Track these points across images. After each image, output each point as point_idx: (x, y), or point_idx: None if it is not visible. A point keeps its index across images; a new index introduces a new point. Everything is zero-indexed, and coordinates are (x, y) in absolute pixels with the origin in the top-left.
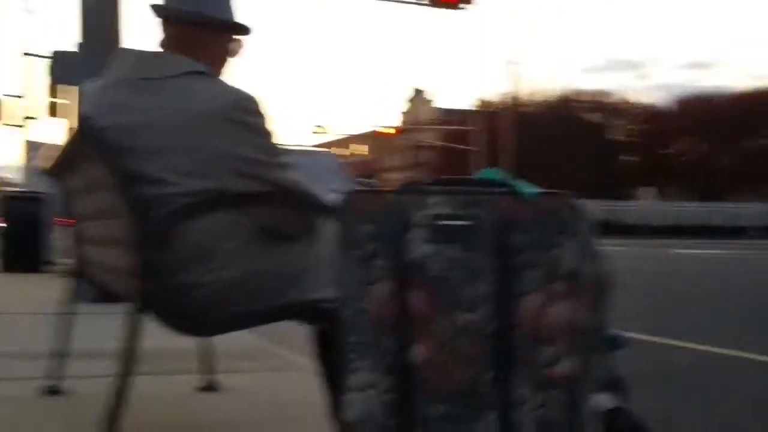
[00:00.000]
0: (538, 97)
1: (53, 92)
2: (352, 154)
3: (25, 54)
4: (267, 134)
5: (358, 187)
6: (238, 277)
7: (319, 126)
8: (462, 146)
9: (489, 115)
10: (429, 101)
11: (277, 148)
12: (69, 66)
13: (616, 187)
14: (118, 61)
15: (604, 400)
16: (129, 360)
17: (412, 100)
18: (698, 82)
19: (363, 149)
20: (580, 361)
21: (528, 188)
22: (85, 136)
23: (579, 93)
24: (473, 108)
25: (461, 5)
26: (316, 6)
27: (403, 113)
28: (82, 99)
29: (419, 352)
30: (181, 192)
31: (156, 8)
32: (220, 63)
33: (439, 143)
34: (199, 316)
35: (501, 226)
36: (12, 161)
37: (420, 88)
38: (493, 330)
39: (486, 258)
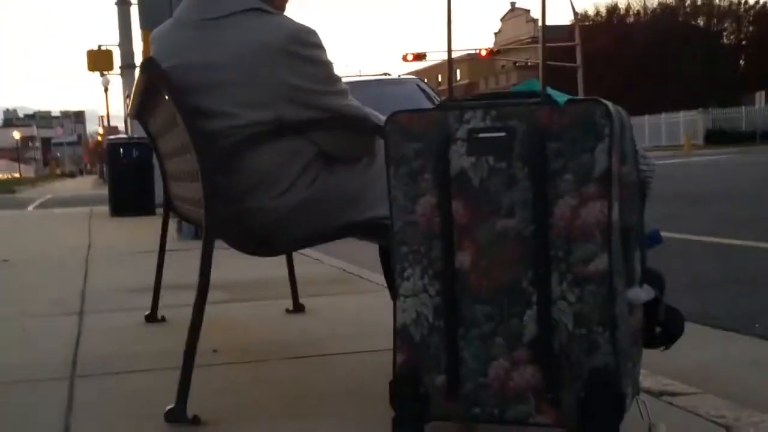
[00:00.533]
0: (640, 5)
1: (145, 40)
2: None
3: (117, 2)
4: (324, 64)
5: None
6: (301, 199)
7: (409, 53)
8: (564, 63)
9: (588, 29)
10: (524, 18)
11: (334, 76)
12: (156, 13)
13: (728, 93)
14: (183, 3)
15: (640, 293)
16: (203, 285)
17: (505, 19)
18: None
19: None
20: (614, 256)
21: (561, 97)
22: (151, 77)
23: None
24: (571, 23)
25: None
26: None
27: (497, 33)
28: (151, 42)
29: (464, 257)
30: (242, 123)
31: None
32: (282, 2)
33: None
34: (265, 238)
35: (533, 134)
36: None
37: (515, 4)
38: (530, 233)
39: (521, 166)
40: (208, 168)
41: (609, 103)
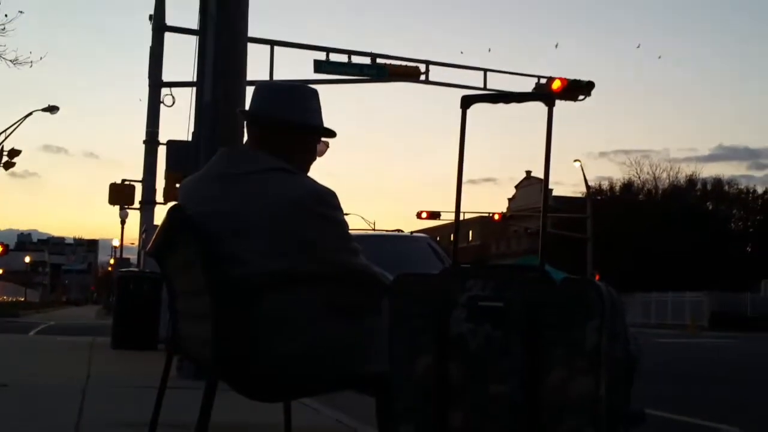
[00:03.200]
0: (653, 185)
1: (168, 179)
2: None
3: (145, 141)
4: (340, 224)
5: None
6: (308, 347)
7: (424, 211)
8: (574, 234)
9: (600, 203)
10: (539, 187)
11: (348, 236)
12: (182, 156)
13: (734, 277)
14: (214, 158)
15: None
16: (202, 424)
17: (520, 186)
18: None
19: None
20: (600, 431)
21: (558, 274)
22: (176, 221)
23: (695, 180)
24: (583, 195)
25: (579, 98)
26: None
27: (510, 199)
28: (180, 190)
29: (456, 417)
30: (260, 271)
31: (245, 113)
32: (306, 162)
33: (550, 230)
34: (269, 383)
35: (529, 307)
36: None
37: (531, 173)
38: (520, 399)
39: (516, 335)
40: (222, 310)
41: (602, 284)
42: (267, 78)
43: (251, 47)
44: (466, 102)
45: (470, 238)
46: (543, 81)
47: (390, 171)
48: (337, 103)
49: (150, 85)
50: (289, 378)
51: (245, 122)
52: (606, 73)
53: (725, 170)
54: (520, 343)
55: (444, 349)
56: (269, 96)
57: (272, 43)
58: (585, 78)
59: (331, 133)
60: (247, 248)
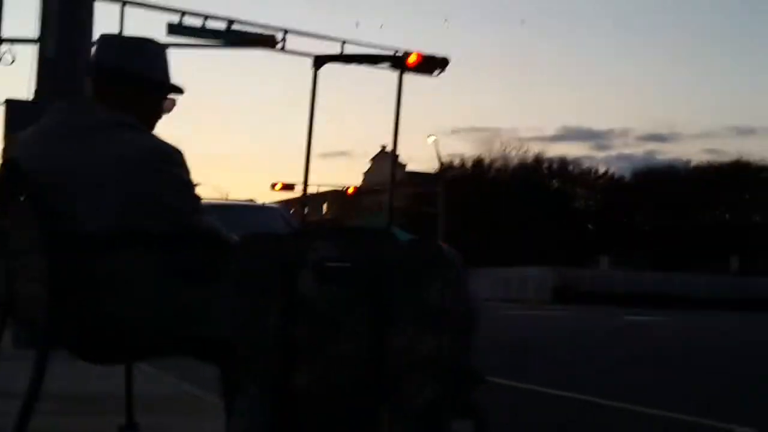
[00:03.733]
0: (502, 162)
1: (7, 140)
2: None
3: None
4: (187, 184)
5: None
6: (147, 310)
7: (279, 182)
8: (426, 209)
9: (452, 179)
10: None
11: (194, 196)
12: (23, 114)
13: (576, 253)
14: (52, 111)
15: (464, 428)
16: (32, 393)
17: (375, 159)
18: (657, 154)
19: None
20: (443, 391)
21: (403, 235)
22: (9, 176)
23: (541, 160)
24: (435, 172)
25: (435, 73)
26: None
27: (365, 173)
28: (15, 145)
29: (302, 378)
30: (96, 229)
31: (90, 66)
32: (151, 119)
33: (402, 205)
34: (106, 345)
35: (375, 267)
36: None
37: (386, 147)
38: (366, 360)
39: (362, 296)
40: (56, 269)
41: (446, 246)
42: None
43: (100, 6)
44: (318, 62)
45: (324, 212)
46: (399, 54)
47: (244, 141)
48: (190, 68)
49: None
50: (127, 340)
51: (88, 75)
52: (468, 47)
53: (570, 150)
54: (367, 304)
55: (290, 310)
56: (114, 46)
57: (123, 2)
58: (443, 53)
59: (179, 90)
60: (86, 206)
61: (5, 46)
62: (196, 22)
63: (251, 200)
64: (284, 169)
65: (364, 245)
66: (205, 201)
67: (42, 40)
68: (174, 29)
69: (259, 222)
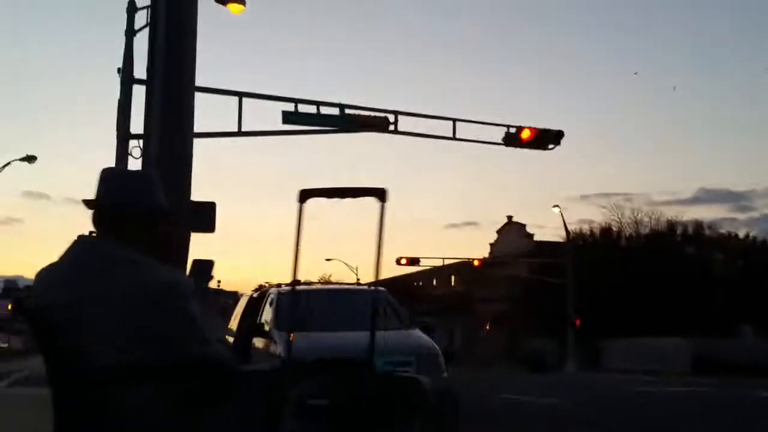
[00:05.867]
0: (634, 228)
1: None
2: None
3: None
4: (192, 317)
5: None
6: None
7: (403, 257)
8: (554, 280)
9: (581, 247)
10: (520, 232)
11: (198, 326)
12: None
13: (716, 323)
14: (69, 246)
15: None
16: None
17: (501, 231)
18: None
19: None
20: None
21: (385, 365)
22: (19, 311)
23: (675, 224)
24: (563, 241)
25: (549, 147)
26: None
27: (492, 244)
28: (36, 277)
29: None
30: (109, 363)
31: (86, 202)
32: (153, 246)
33: (530, 276)
34: None
35: (354, 403)
36: None
37: (512, 218)
38: None
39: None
40: (60, 402)
41: (424, 380)
42: (235, 129)
43: (219, 99)
44: (304, 196)
45: (453, 283)
46: (512, 130)
47: (370, 217)
48: (309, 153)
49: (118, 138)
50: None
51: (92, 212)
52: (586, 114)
53: (707, 213)
54: None
55: None
56: (112, 183)
57: (240, 95)
58: (557, 126)
59: (174, 216)
60: (92, 341)
61: (134, 142)
62: (310, 108)
63: (357, 282)
64: (406, 243)
65: (345, 381)
66: (311, 286)
67: (145, 138)
68: (289, 117)
69: (363, 306)
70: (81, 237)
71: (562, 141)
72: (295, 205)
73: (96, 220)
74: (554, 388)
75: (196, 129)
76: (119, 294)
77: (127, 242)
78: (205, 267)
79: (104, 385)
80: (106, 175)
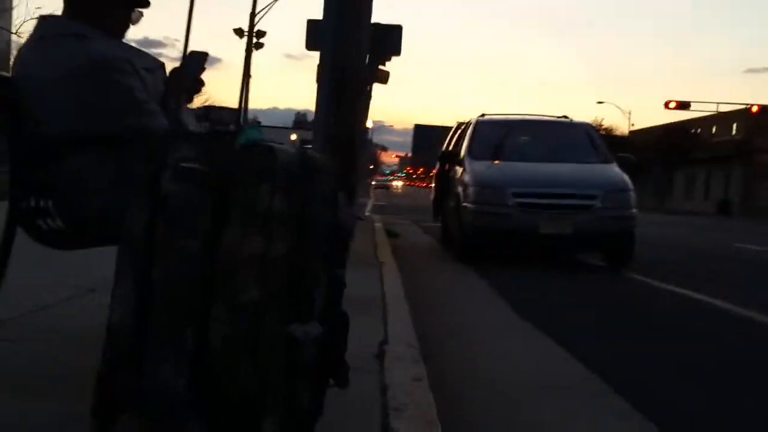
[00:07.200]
0: None
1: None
2: None
3: None
4: (127, 89)
5: None
6: (101, 209)
7: (672, 101)
8: None
9: None
10: None
11: (136, 99)
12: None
13: None
14: (34, 28)
15: (310, 329)
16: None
17: None
18: None
19: None
20: (268, 290)
21: (248, 136)
22: None
23: None
24: None
25: None
26: None
27: None
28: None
29: (158, 272)
30: (53, 134)
31: None
32: (119, 28)
33: None
34: (66, 236)
35: (220, 171)
36: None
37: None
38: (203, 256)
39: (207, 197)
40: (16, 166)
41: (280, 148)
42: None
43: None
44: None
45: (734, 131)
46: None
47: (643, 58)
48: None
49: None
50: (84, 233)
51: None
52: None
53: None
54: (210, 204)
55: (154, 208)
56: None
57: None
58: None
59: (144, 3)
60: (42, 111)
61: None
62: None
63: (564, 116)
64: (678, 86)
65: (216, 150)
66: (517, 116)
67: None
68: None
69: (564, 138)
70: (42, 16)
71: None
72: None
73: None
74: None
75: None
76: (61, 65)
77: (90, 22)
78: (196, 58)
79: (53, 155)
80: None
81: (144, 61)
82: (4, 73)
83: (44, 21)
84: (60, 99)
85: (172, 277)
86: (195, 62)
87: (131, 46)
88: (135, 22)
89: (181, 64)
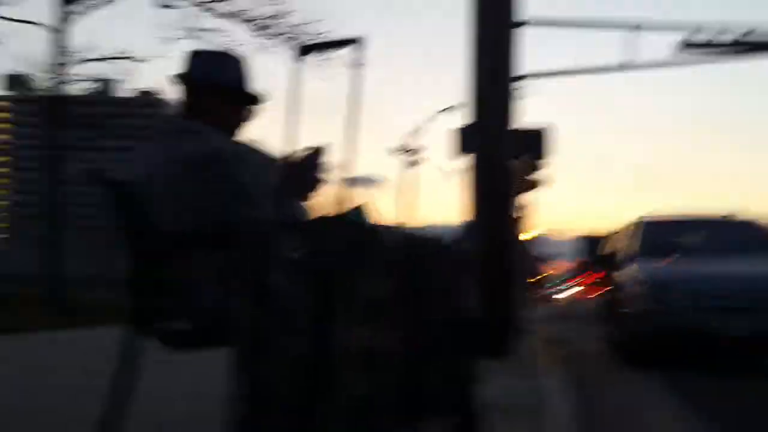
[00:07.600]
0: None
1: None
2: None
3: None
4: (239, 181)
5: None
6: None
7: None
8: None
9: None
10: None
11: (237, 193)
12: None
13: None
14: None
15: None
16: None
17: None
18: None
19: None
20: (377, 384)
21: (353, 217)
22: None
23: None
24: None
25: None
26: None
27: None
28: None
29: (265, 368)
30: (164, 233)
31: (174, 77)
32: (232, 126)
33: None
34: (185, 335)
35: (323, 258)
36: None
37: None
38: (310, 350)
39: (311, 287)
40: (133, 267)
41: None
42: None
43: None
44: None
45: None
46: None
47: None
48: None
49: None
50: (206, 332)
51: (179, 86)
52: None
53: None
54: (314, 296)
55: (261, 299)
56: (200, 60)
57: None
58: None
59: (255, 99)
60: (156, 211)
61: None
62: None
63: (730, 215)
64: None
65: (317, 237)
66: (677, 216)
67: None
68: (686, 46)
69: (734, 234)
70: (160, 116)
71: None
72: None
73: (184, 98)
74: None
75: None
76: (176, 161)
77: (205, 120)
78: (313, 154)
79: (164, 253)
80: (196, 53)
81: (257, 156)
82: (124, 176)
83: (161, 120)
84: (174, 195)
85: (278, 375)
86: (312, 158)
87: (244, 142)
88: (245, 120)
89: (297, 160)
